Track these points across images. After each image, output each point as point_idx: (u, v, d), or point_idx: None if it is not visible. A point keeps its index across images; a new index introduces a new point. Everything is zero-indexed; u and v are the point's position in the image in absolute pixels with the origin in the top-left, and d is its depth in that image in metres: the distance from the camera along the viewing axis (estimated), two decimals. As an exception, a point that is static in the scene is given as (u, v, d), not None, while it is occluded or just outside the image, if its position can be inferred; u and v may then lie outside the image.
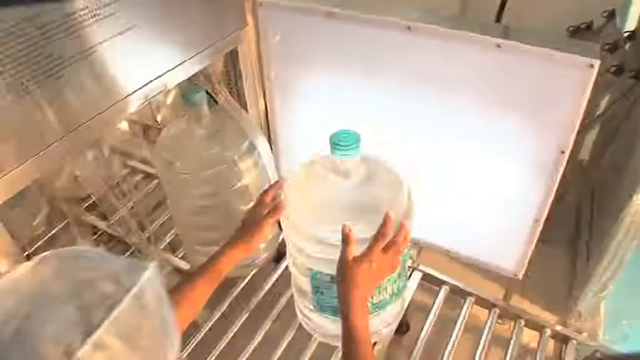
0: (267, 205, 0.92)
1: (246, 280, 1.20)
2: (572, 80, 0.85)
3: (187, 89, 1.01)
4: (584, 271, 1.25)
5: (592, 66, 0.83)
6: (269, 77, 1.16)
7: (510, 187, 1.02)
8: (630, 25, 1.29)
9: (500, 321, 1.15)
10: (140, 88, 0.87)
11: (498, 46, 0.88)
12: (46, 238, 1.04)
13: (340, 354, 0.83)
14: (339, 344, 0.80)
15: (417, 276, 1.18)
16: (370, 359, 0.76)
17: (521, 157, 0.98)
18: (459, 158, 1.05)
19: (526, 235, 1.07)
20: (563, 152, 0.93)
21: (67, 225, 1.15)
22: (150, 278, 0.49)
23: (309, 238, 0.90)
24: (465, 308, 1.13)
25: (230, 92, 1.13)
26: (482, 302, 1.15)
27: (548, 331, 1.09)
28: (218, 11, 0.99)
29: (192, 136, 1.04)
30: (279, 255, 1.30)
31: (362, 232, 0.83)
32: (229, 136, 1.05)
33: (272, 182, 1.14)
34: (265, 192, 0.94)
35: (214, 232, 1.12)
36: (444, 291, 1.17)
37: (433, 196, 1.11)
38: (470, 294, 1.15)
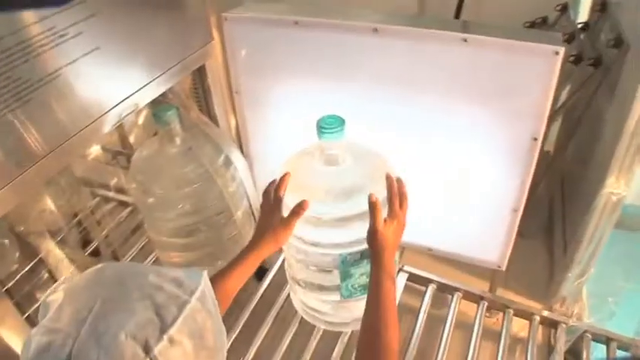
0: (275, 200, 0.90)
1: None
2: (540, 68, 0.88)
3: (158, 108, 0.99)
4: (562, 259, 1.27)
5: (557, 53, 0.86)
6: (238, 91, 1.15)
7: (487, 179, 1.04)
8: (583, 17, 1.34)
9: (488, 314, 1.16)
10: (111, 109, 0.85)
11: (465, 40, 0.90)
12: (23, 272, 1.00)
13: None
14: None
15: (402, 277, 1.18)
16: (396, 327, 0.78)
17: (495, 148, 1.00)
18: (434, 155, 1.06)
19: (506, 226, 1.09)
20: (535, 139, 0.95)
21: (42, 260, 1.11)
22: (207, 282, 0.53)
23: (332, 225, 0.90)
24: (453, 304, 1.13)
25: (200, 108, 1.12)
26: (469, 297, 1.16)
27: (537, 318, 1.10)
28: (184, 29, 0.98)
29: (165, 155, 1.02)
30: (261, 271, 1.28)
31: (353, 208, 0.87)
32: (203, 151, 1.04)
33: (249, 195, 1.13)
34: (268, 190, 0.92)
35: (196, 251, 1.10)
36: (430, 289, 1.17)
37: (411, 195, 1.12)
38: (457, 289, 1.16)
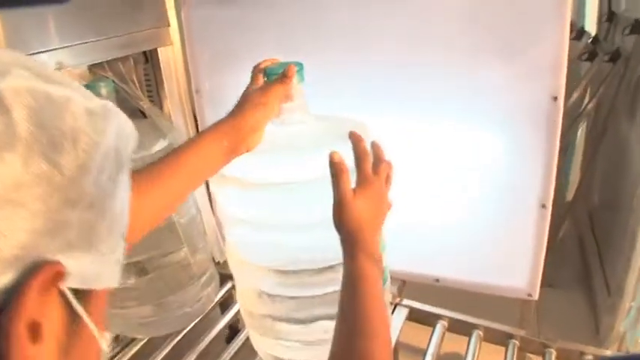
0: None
1: (182, 335, 0.89)
2: (550, 9, 0.72)
3: (92, 80, 0.82)
4: (608, 301, 0.99)
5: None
6: (198, 90, 0.99)
7: (503, 164, 0.82)
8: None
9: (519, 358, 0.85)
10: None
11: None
12: None
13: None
14: None
15: (401, 313, 0.89)
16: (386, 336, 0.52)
17: (509, 117, 0.79)
18: (435, 139, 0.85)
19: (534, 231, 0.83)
20: (555, 99, 0.75)
21: None
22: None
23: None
24: (472, 347, 0.83)
25: (152, 102, 0.95)
26: (493, 336, 0.86)
27: (590, 358, 0.80)
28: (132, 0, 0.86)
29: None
30: (232, 332, 0.99)
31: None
32: (145, 137, 0.84)
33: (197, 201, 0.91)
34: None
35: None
36: (440, 328, 0.87)
37: (408, 209, 0.89)
38: (476, 327, 0.86)
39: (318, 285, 0.69)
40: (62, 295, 0.30)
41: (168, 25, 0.93)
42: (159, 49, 0.93)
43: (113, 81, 0.85)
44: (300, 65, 0.67)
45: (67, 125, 0.28)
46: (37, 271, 0.26)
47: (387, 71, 0.85)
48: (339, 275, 0.55)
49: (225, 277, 0.99)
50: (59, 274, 0.28)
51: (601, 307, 1.04)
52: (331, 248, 0.57)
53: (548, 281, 1.17)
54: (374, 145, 0.64)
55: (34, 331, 0.27)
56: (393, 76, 0.85)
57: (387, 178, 0.63)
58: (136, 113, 0.89)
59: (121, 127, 0.32)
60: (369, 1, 0.82)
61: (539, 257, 0.84)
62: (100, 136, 0.30)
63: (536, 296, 0.86)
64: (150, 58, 0.94)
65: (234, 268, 0.75)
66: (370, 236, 0.57)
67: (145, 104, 0.88)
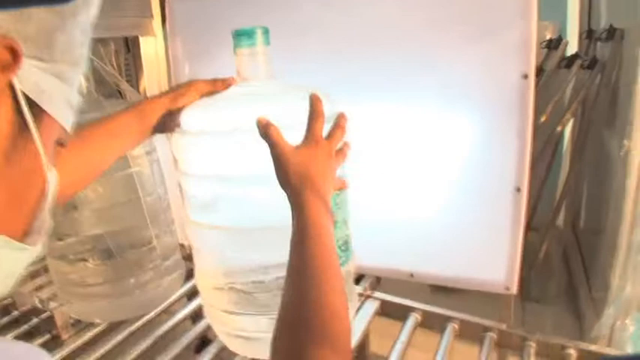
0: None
1: (141, 322, 0.84)
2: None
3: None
4: (594, 311, 0.94)
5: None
6: (178, 82, 1.00)
7: (473, 146, 0.81)
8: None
9: (496, 353, 0.79)
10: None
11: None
12: None
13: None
14: None
15: (370, 307, 0.85)
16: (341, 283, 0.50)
17: (478, 97, 0.79)
18: (405, 126, 0.84)
19: (510, 219, 0.80)
20: (526, 76, 0.75)
21: None
22: None
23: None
24: (445, 340, 0.78)
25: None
26: (468, 329, 0.80)
27: (573, 354, 0.74)
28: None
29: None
30: (202, 343, 0.94)
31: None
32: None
33: (166, 182, 0.89)
34: None
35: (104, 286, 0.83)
36: (412, 321, 0.82)
37: (379, 202, 0.87)
38: (450, 319, 0.81)
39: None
40: (15, 99, 0.32)
41: (152, 17, 0.96)
42: (140, 40, 0.95)
43: (92, 60, 0.86)
44: (265, 29, 0.68)
45: None
46: None
47: (357, 58, 0.85)
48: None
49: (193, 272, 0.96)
50: (13, 51, 0.30)
51: (587, 320, 0.99)
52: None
53: (535, 297, 1.12)
54: (340, 114, 0.63)
55: None
56: (362, 63, 0.85)
57: (341, 153, 0.61)
58: (114, 94, 0.90)
59: None
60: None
61: (515, 247, 0.81)
62: None
63: (514, 290, 0.82)
64: (131, 47, 0.96)
65: (195, 238, 0.73)
66: (319, 185, 0.54)
67: (123, 85, 0.89)
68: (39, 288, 1.00)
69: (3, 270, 0.36)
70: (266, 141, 0.56)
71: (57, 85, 0.35)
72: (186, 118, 0.67)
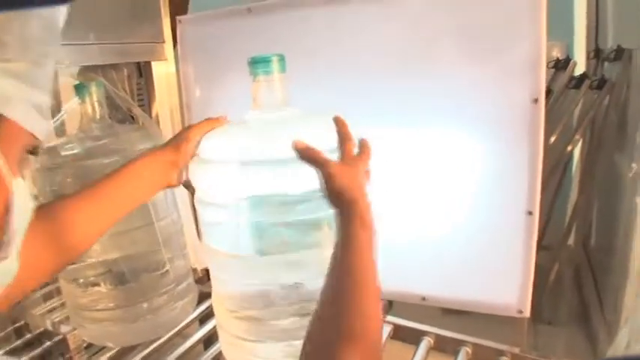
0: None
1: (153, 346, 0.84)
2: (525, 3, 0.73)
3: (84, 79, 0.85)
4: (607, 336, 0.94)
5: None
6: (189, 105, 1.00)
7: (484, 172, 0.81)
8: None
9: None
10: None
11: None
12: None
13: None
14: None
15: (384, 330, 0.85)
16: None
17: (487, 124, 0.79)
18: (416, 150, 0.85)
19: (522, 243, 0.80)
20: (536, 101, 0.75)
21: None
22: None
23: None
24: (460, 363, 0.78)
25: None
26: (482, 353, 0.80)
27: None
28: (133, 12, 0.91)
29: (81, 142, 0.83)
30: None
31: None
32: (131, 135, 0.85)
33: (179, 207, 0.90)
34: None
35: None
36: (425, 345, 0.82)
37: (391, 226, 0.87)
38: (463, 343, 0.81)
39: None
40: None
41: (164, 42, 0.97)
42: (152, 64, 0.96)
43: (104, 85, 0.87)
44: (281, 56, 0.69)
45: None
46: None
47: (367, 82, 0.86)
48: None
49: (206, 295, 0.96)
50: None
51: (600, 343, 0.98)
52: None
53: (547, 319, 1.12)
54: (363, 140, 0.64)
55: None
56: (372, 86, 0.86)
57: (367, 173, 0.62)
58: (127, 119, 0.91)
59: None
60: (351, 16, 0.85)
61: (528, 269, 0.80)
62: None
63: (527, 313, 0.81)
64: (143, 72, 0.97)
65: (210, 264, 0.73)
66: (364, 200, 0.56)
67: (136, 110, 0.90)
68: (51, 310, 1.00)
69: None
70: (309, 162, 0.57)
71: (14, 86, 0.32)
72: (204, 145, 0.68)
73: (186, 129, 0.70)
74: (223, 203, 0.67)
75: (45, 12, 0.33)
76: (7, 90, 0.31)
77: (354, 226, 0.54)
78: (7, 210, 0.34)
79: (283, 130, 0.64)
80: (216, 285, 0.74)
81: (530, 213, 0.79)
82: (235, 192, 0.65)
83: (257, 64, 0.67)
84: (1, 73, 0.31)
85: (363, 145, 0.63)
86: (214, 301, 0.75)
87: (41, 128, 0.35)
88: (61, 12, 0.35)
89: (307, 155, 0.58)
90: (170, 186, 0.69)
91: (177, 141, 0.68)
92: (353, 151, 0.60)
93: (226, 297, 0.72)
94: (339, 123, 0.62)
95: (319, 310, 0.50)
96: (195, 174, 0.68)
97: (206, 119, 0.72)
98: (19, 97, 0.32)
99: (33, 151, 0.34)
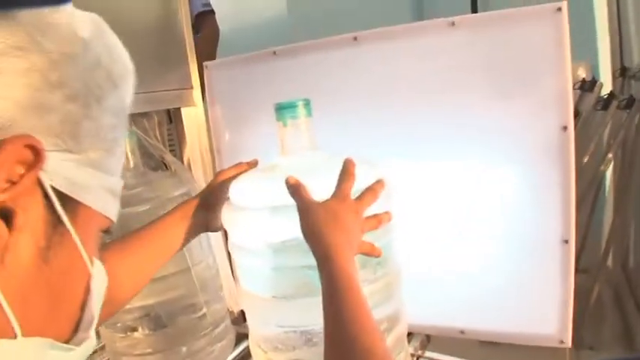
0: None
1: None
2: (544, 35, 0.74)
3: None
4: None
5: (560, 9, 0.73)
6: (219, 150, 1.02)
7: (518, 205, 0.80)
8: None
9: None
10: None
11: (452, 24, 0.79)
12: None
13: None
14: None
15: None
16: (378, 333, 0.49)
17: (520, 153, 0.79)
18: (447, 187, 0.85)
19: (559, 272, 0.79)
20: (565, 128, 0.75)
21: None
22: None
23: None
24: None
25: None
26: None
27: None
28: (161, 60, 0.94)
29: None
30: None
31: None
32: (165, 183, 0.87)
33: (214, 250, 0.91)
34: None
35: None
36: (467, 380, 0.81)
37: (426, 259, 0.87)
38: (506, 377, 0.80)
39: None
40: (46, 196, 0.31)
41: (192, 87, 0.99)
42: (182, 110, 0.99)
43: (137, 134, 0.89)
44: (306, 101, 0.70)
45: (61, 19, 0.31)
46: (6, 141, 0.28)
47: (399, 117, 0.87)
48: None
49: (242, 336, 0.96)
50: (34, 149, 0.29)
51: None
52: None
53: (589, 344, 1.09)
54: (378, 180, 0.64)
55: (5, 215, 0.28)
56: (404, 121, 0.86)
57: (375, 219, 0.62)
58: (159, 166, 0.93)
59: (111, 43, 0.36)
60: (376, 53, 0.86)
61: (567, 299, 0.79)
62: (86, 34, 0.33)
63: (568, 343, 0.80)
64: (173, 118, 1.00)
65: (246, 306, 0.74)
66: (343, 237, 0.55)
67: (168, 157, 0.92)
68: (92, 354, 1.02)
69: None
70: (294, 198, 0.58)
71: (91, 175, 0.33)
72: (234, 191, 0.69)
73: (217, 174, 0.72)
74: (254, 247, 0.68)
75: (114, 99, 0.35)
76: (86, 179, 0.33)
77: (332, 266, 0.52)
78: (88, 292, 0.36)
79: (310, 175, 0.65)
80: (251, 327, 0.74)
81: (566, 241, 0.78)
82: (265, 236, 0.66)
83: (283, 109, 0.68)
84: (79, 163, 0.32)
85: (369, 187, 0.62)
86: (250, 342, 0.75)
87: (115, 210, 0.37)
88: (129, 96, 0.38)
89: (292, 191, 0.58)
90: (208, 231, 0.70)
91: (210, 188, 0.70)
92: (347, 190, 0.59)
93: (262, 339, 0.72)
94: (346, 162, 0.62)
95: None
96: (226, 219, 0.70)
97: (236, 164, 0.74)
98: (96, 185, 0.34)
99: (106, 230, 0.36)
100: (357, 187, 0.62)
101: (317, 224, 0.55)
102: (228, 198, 0.70)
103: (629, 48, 1.16)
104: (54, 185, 0.31)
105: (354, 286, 0.51)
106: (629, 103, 1.00)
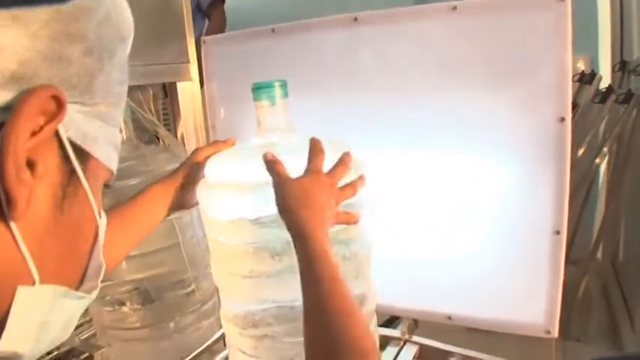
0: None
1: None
2: (547, 24, 0.73)
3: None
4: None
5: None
6: (214, 125, 1.02)
7: (512, 194, 0.80)
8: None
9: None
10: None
11: (454, 8, 0.78)
12: None
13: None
14: None
15: (410, 351, 0.84)
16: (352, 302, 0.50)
17: (514, 146, 0.78)
18: (439, 174, 0.84)
19: (549, 263, 0.79)
20: (563, 119, 0.75)
21: None
22: None
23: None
24: (487, 385, 0.77)
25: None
26: (511, 374, 0.79)
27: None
28: (158, 34, 0.92)
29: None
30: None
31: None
32: (158, 157, 0.86)
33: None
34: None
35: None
36: (453, 365, 0.81)
37: (417, 245, 0.87)
38: (491, 364, 0.80)
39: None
40: (61, 147, 0.31)
41: (188, 62, 0.98)
42: (178, 85, 0.97)
43: (131, 107, 0.88)
44: (283, 82, 0.69)
45: None
46: (33, 91, 0.28)
47: (390, 104, 0.86)
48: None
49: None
50: (57, 100, 0.29)
51: None
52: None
53: (576, 335, 1.10)
54: (344, 153, 0.65)
55: (29, 164, 0.29)
56: (395, 109, 0.86)
57: (350, 187, 0.63)
58: (152, 139, 0.92)
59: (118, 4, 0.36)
60: (372, 38, 0.85)
61: (555, 289, 0.79)
62: None
63: (555, 333, 0.80)
64: (168, 92, 0.98)
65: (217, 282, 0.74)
66: (317, 210, 0.56)
67: (161, 131, 0.91)
68: (79, 327, 1.02)
69: (64, 319, 0.36)
70: (270, 174, 0.59)
71: (100, 128, 0.34)
72: (210, 168, 0.69)
73: (194, 152, 0.73)
74: (229, 223, 0.67)
75: (121, 55, 0.36)
76: (95, 131, 0.34)
77: (307, 240, 0.53)
78: (96, 241, 0.37)
79: (284, 155, 0.64)
80: (223, 303, 0.74)
81: (557, 232, 0.78)
82: (240, 212, 0.66)
83: (259, 89, 0.69)
84: (90, 116, 0.33)
85: (339, 160, 0.63)
86: (224, 319, 0.75)
87: (116, 163, 0.38)
88: (127, 50, 0.38)
89: (269, 166, 0.59)
90: (183, 208, 0.72)
91: (186, 164, 0.71)
92: (319, 165, 0.61)
93: (235, 315, 0.72)
94: (312, 141, 0.64)
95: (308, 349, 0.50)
96: (201, 196, 0.70)
97: (213, 142, 0.75)
98: (103, 137, 0.35)
99: (106, 184, 0.37)
100: (326, 166, 0.62)
101: (292, 199, 0.56)
102: (204, 175, 0.70)
103: (629, 42, 1.15)
104: (69, 137, 0.32)
105: (330, 260, 0.52)
106: (627, 97, 1.00)
